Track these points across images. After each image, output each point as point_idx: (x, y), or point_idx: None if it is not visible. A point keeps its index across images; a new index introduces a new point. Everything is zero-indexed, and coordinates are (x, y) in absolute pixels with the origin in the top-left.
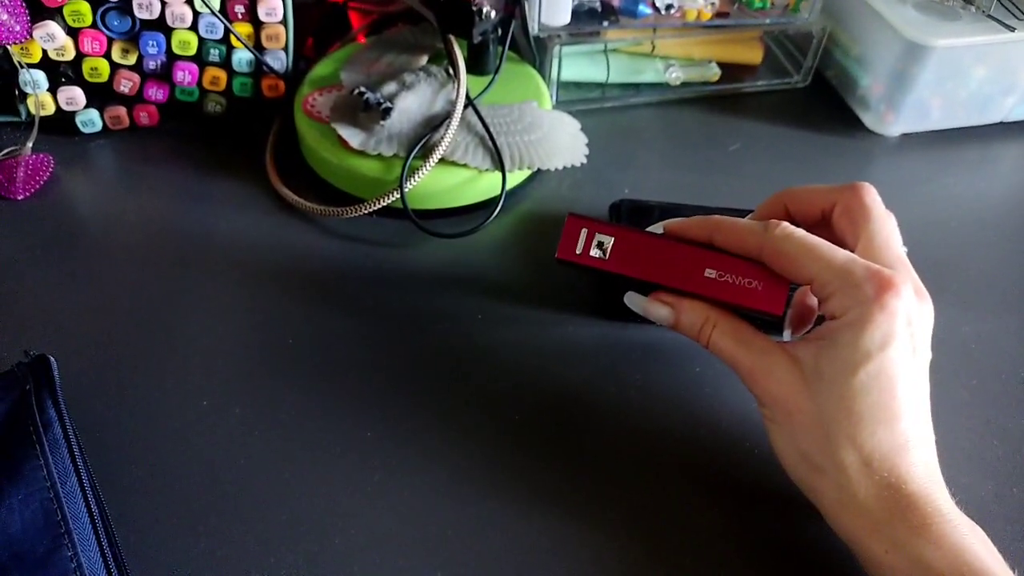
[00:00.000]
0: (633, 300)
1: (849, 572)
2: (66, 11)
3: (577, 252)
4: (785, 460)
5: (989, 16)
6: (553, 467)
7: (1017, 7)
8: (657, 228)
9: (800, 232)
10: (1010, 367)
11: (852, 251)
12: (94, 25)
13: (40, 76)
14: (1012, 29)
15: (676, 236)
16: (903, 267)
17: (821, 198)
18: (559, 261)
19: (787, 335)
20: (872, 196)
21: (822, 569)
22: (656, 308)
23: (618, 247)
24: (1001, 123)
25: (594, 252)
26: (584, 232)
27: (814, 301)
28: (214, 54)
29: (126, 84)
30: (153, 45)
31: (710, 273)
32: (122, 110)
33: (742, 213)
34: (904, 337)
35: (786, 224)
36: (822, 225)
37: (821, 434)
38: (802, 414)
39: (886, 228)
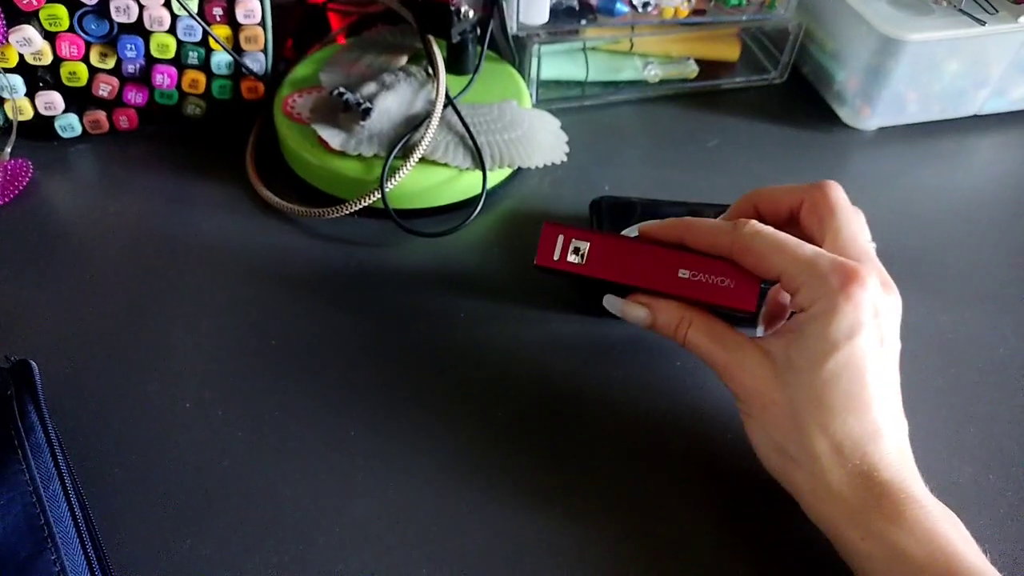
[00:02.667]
0: (611, 303)
1: (826, 559)
2: (43, 15)
3: (555, 258)
4: (761, 452)
5: (961, 10)
6: (537, 461)
7: (988, 1)
8: (632, 232)
9: (768, 229)
10: (986, 356)
11: (820, 247)
12: (71, 29)
13: (17, 81)
14: (983, 23)
15: (650, 239)
16: (868, 260)
17: (789, 197)
18: (538, 267)
19: (760, 331)
20: (837, 193)
21: (801, 556)
22: (633, 310)
23: (594, 252)
24: (975, 116)
25: (571, 258)
26: (561, 238)
27: (786, 298)
28: (193, 57)
29: (105, 88)
30: (131, 48)
31: (684, 274)
32: (101, 114)
33: (721, 208)
34: (871, 327)
35: (754, 222)
36: (791, 223)
37: (793, 425)
38: (775, 406)
39: (852, 223)
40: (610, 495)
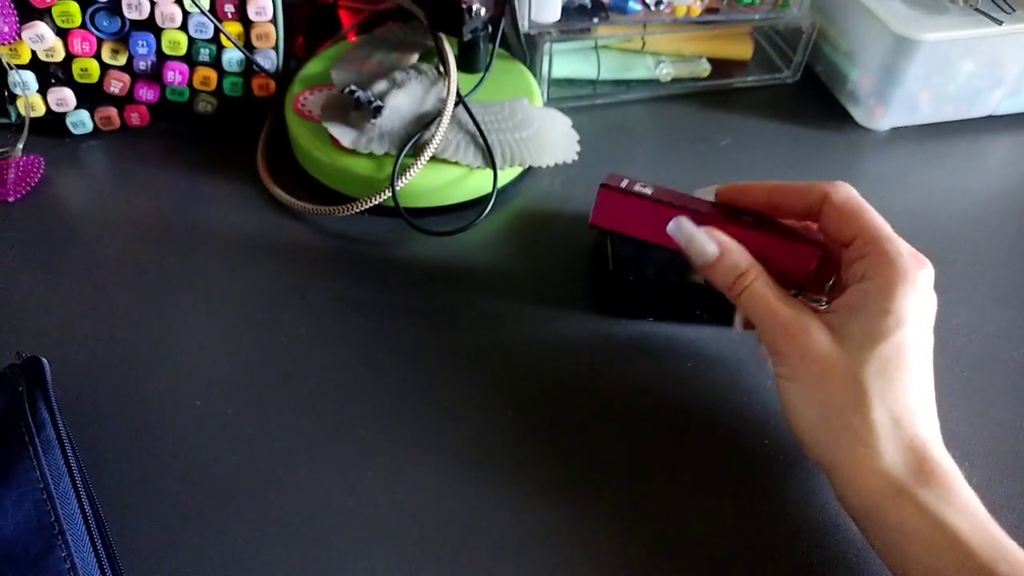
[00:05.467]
0: (681, 224)
1: (835, 557)
2: (55, 12)
3: (622, 186)
4: (804, 421)
5: (977, 10)
6: (546, 461)
7: (1005, 0)
8: (708, 193)
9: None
10: (999, 359)
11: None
12: (83, 26)
13: (30, 77)
14: (1000, 22)
15: (728, 200)
16: None
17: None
18: (604, 186)
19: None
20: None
21: (813, 551)
22: (703, 241)
23: (658, 190)
24: (990, 116)
25: (637, 188)
26: (625, 181)
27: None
28: (204, 54)
29: (116, 85)
30: (143, 45)
31: (746, 218)
32: (112, 111)
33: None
34: (926, 315)
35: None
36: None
37: (854, 393)
38: (834, 372)
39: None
40: (620, 494)
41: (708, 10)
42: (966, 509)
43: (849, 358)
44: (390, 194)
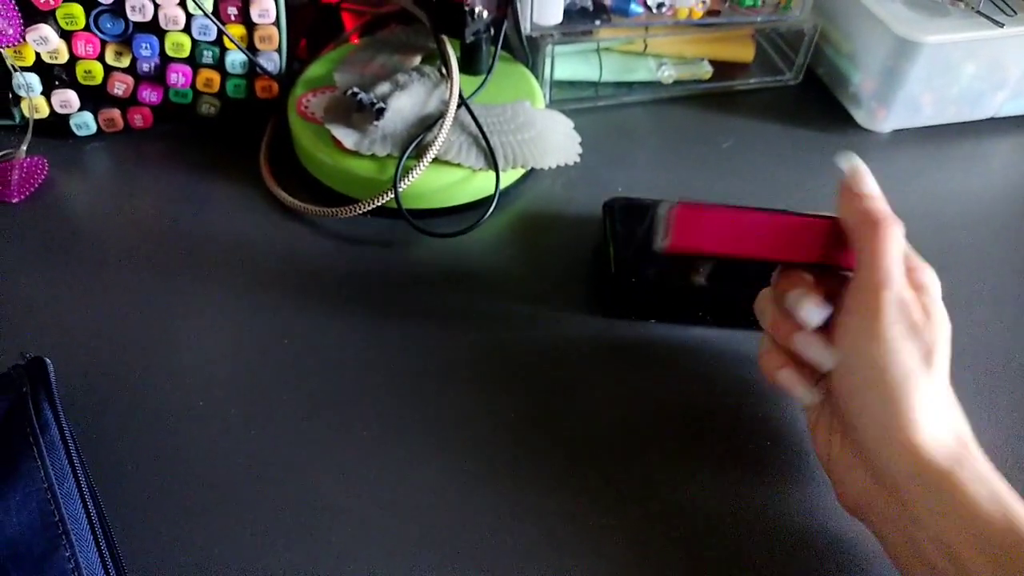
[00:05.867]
0: (851, 153)
1: (838, 559)
2: (59, 14)
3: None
4: (866, 387)
5: (978, 12)
6: (548, 462)
7: (1006, 3)
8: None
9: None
10: (1001, 360)
11: None
12: (87, 28)
13: (34, 79)
14: (1001, 25)
15: None
16: None
17: None
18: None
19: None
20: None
21: (816, 553)
22: (859, 174)
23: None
24: (992, 118)
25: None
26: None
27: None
28: (207, 56)
29: (120, 86)
30: (146, 47)
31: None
32: (116, 112)
33: None
34: None
35: None
36: None
37: (929, 361)
38: (917, 339)
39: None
40: (621, 495)
41: (710, 12)
42: (1004, 483)
43: (933, 328)
44: (393, 196)
